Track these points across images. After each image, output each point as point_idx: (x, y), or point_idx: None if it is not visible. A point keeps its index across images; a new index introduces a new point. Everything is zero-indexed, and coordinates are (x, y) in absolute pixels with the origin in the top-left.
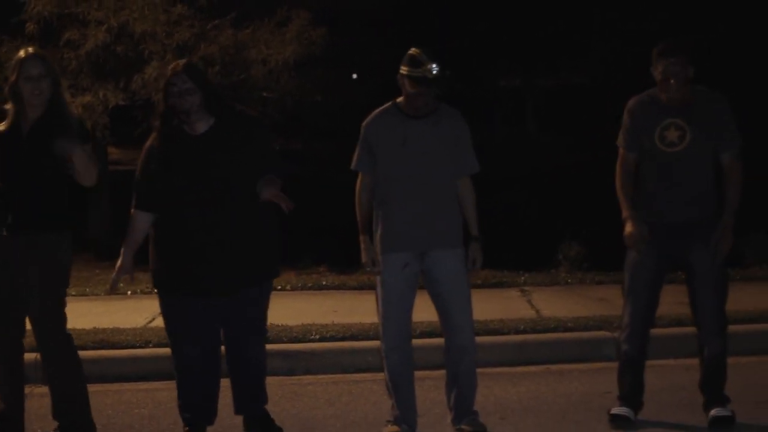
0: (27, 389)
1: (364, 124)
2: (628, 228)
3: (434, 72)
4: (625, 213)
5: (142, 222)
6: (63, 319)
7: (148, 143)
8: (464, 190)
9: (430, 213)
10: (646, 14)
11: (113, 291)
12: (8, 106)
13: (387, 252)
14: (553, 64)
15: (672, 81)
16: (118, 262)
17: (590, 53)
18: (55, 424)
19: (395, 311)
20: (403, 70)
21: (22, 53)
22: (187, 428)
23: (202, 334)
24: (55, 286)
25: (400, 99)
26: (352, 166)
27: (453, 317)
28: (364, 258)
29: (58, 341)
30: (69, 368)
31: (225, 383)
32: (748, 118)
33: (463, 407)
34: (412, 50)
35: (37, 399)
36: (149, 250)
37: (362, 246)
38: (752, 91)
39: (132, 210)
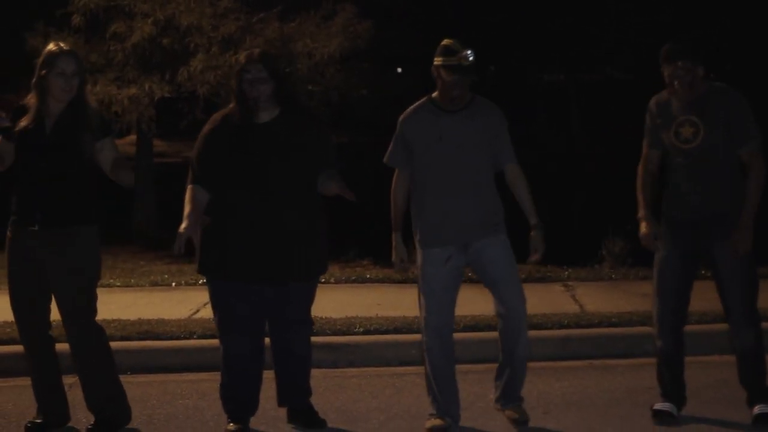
0: (72, 380)
1: (400, 119)
2: (642, 228)
3: (470, 59)
4: (639, 213)
5: (201, 196)
6: (93, 312)
7: (209, 126)
8: (514, 178)
9: (470, 206)
10: (661, 6)
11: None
12: (31, 100)
13: (429, 247)
14: (566, 56)
15: (677, 84)
16: (184, 225)
17: (603, 45)
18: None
19: (437, 304)
20: (437, 60)
21: (53, 47)
22: (231, 421)
23: (251, 324)
24: (85, 280)
25: (435, 94)
26: (385, 159)
27: (508, 301)
28: (394, 256)
29: (87, 335)
30: (98, 361)
31: (269, 375)
32: (763, 118)
33: (512, 391)
34: (445, 41)
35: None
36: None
37: (393, 244)
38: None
39: (189, 185)
